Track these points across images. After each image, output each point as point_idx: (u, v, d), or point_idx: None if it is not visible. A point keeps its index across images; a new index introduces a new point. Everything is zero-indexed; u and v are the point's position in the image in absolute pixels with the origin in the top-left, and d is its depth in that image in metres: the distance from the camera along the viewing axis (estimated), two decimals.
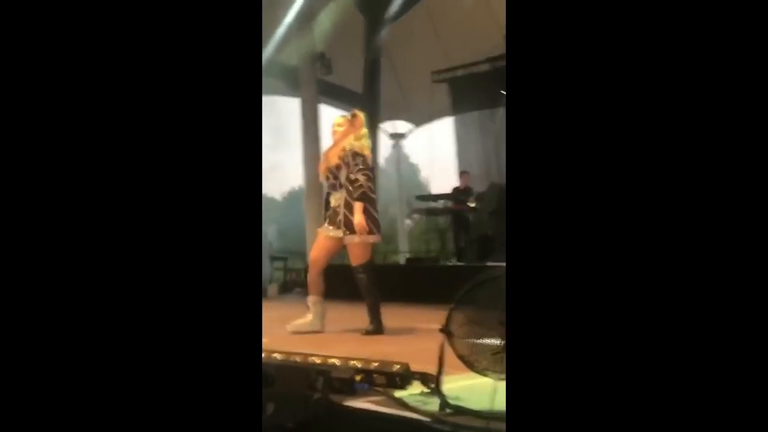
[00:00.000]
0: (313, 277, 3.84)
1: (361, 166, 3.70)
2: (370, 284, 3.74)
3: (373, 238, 3.75)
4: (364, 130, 3.87)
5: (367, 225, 3.67)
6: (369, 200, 3.71)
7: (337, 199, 3.75)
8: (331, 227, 3.77)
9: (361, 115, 3.88)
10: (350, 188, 3.68)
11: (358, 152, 3.74)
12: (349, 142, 3.77)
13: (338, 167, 3.74)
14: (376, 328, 3.71)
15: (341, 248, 3.82)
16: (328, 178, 3.81)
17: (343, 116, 3.95)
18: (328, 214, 3.80)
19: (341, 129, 3.85)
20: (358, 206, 3.65)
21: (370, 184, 3.72)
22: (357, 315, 3.94)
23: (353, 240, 3.70)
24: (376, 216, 3.79)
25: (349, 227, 3.67)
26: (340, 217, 3.70)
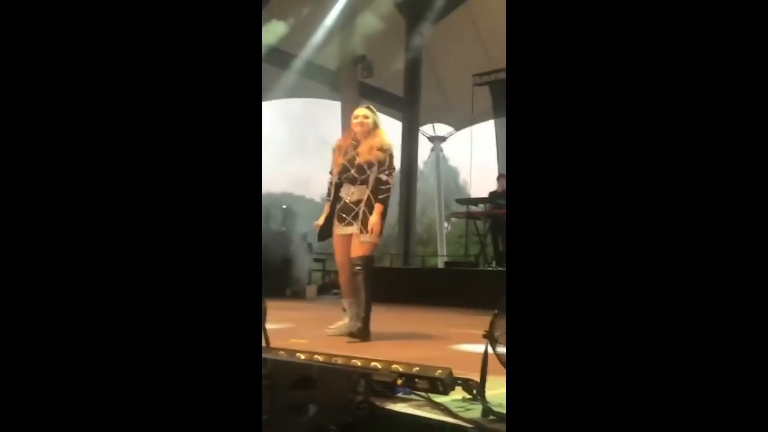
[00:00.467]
0: (344, 280, 3.76)
1: (390, 168, 3.62)
2: (367, 281, 3.58)
3: (378, 240, 3.62)
4: (382, 128, 3.75)
5: (381, 229, 3.60)
6: (386, 204, 3.63)
7: (352, 194, 3.61)
8: (342, 224, 3.64)
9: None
10: (379, 188, 3.57)
11: (391, 153, 3.66)
12: (383, 140, 3.65)
13: (370, 164, 3.60)
14: (363, 333, 3.55)
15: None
16: (346, 170, 3.63)
17: (368, 107, 3.77)
18: (340, 208, 3.66)
19: (368, 121, 3.67)
20: (378, 208, 3.56)
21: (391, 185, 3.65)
22: (396, 318, 3.92)
23: (360, 236, 3.58)
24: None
25: (365, 225, 3.56)
26: (358, 213, 3.58)
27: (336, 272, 8.98)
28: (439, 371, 1.92)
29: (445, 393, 1.90)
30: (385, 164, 3.58)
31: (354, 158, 3.61)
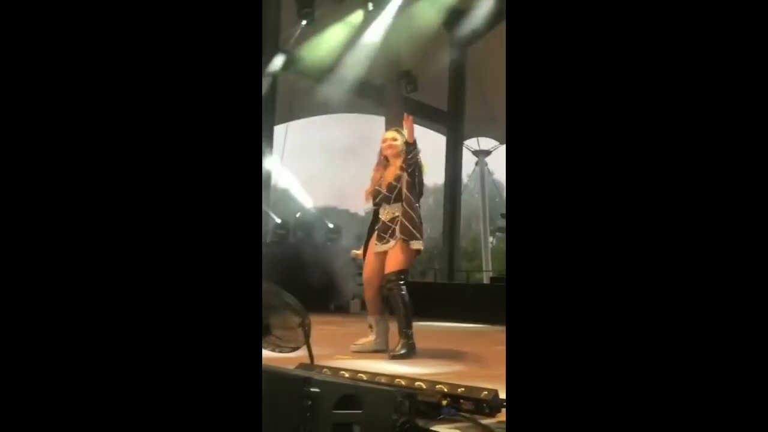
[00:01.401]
0: (370, 297, 3.74)
1: (415, 151, 3.60)
2: (403, 296, 3.54)
3: (415, 244, 3.60)
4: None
5: (408, 230, 3.59)
6: (408, 218, 3.62)
7: (388, 213, 3.65)
8: (381, 243, 3.67)
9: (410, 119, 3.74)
10: (407, 163, 3.58)
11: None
12: (402, 162, 3.67)
13: (398, 178, 3.64)
14: (407, 348, 3.48)
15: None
16: (379, 193, 3.69)
17: (396, 130, 3.82)
18: (378, 228, 3.70)
19: (397, 143, 3.73)
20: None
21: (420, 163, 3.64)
22: (439, 334, 3.88)
23: (391, 245, 3.60)
24: (420, 222, 3.66)
25: (404, 233, 3.58)
26: (395, 229, 3.60)
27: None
28: (485, 392, 1.89)
29: (491, 415, 1.87)
30: (407, 156, 3.57)
31: (388, 179, 3.68)
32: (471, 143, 10.20)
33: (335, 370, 2.16)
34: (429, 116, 10.32)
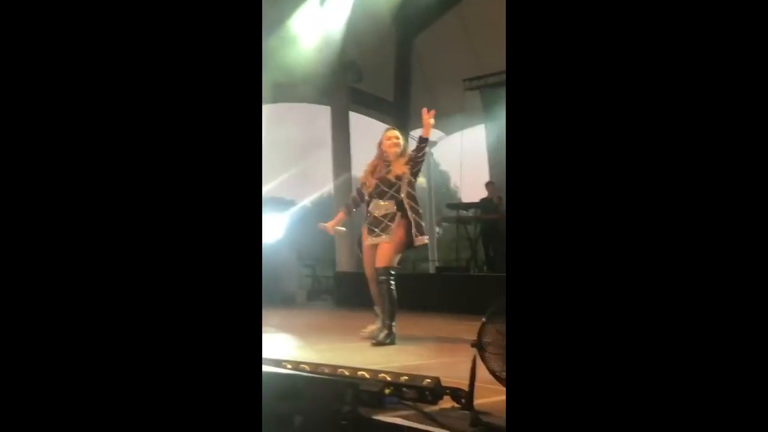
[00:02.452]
0: (373, 287, 3.90)
1: (424, 148, 3.86)
2: (389, 289, 3.75)
3: (422, 239, 3.83)
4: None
5: (404, 236, 3.79)
6: (417, 213, 3.86)
7: (381, 208, 3.82)
8: (371, 236, 3.85)
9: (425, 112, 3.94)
10: (414, 160, 3.83)
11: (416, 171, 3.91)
12: (408, 160, 3.89)
13: (399, 176, 3.82)
14: (388, 337, 3.70)
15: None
16: (378, 187, 3.85)
17: (394, 130, 4.08)
18: (369, 222, 3.87)
19: (399, 141, 3.94)
20: (402, 222, 3.79)
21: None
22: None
23: (384, 240, 3.78)
24: (422, 223, 3.89)
25: (389, 233, 3.78)
26: (387, 225, 3.79)
27: (327, 277, 8.93)
28: (427, 380, 1.90)
29: (434, 402, 1.88)
30: (411, 181, 3.84)
31: (386, 175, 3.84)
32: (416, 134, 10.20)
33: (276, 362, 2.13)
34: (374, 107, 10.30)
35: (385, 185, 3.83)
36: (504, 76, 9.11)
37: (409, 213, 3.79)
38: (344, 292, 7.74)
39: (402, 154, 3.90)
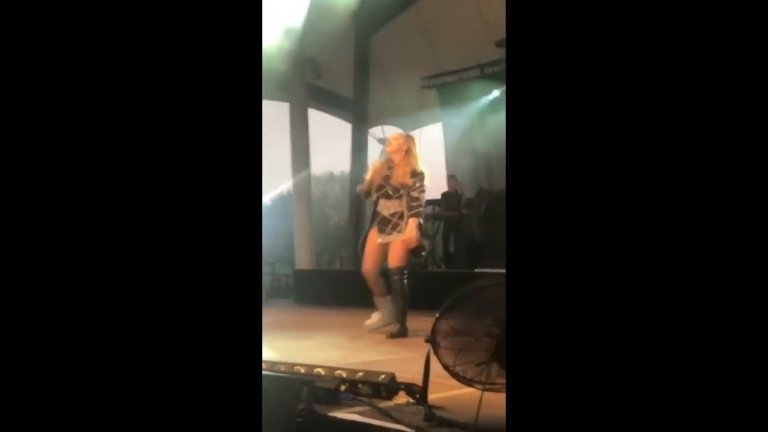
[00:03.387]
0: (373, 282, 4.11)
1: (421, 188, 4.03)
2: (403, 288, 3.97)
3: (420, 242, 4.06)
4: (417, 152, 4.16)
5: (417, 240, 4.00)
6: (421, 216, 4.07)
7: (389, 208, 4.03)
8: (382, 234, 4.04)
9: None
10: (411, 204, 3.99)
11: (422, 176, 4.06)
12: (414, 167, 4.06)
13: (403, 185, 4.01)
14: (401, 331, 3.94)
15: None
16: (382, 188, 4.06)
17: (400, 134, 4.32)
18: (378, 221, 4.07)
19: (398, 142, 4.10)
20: (413, 222, 3.96)
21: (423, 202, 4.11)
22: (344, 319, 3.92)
23: (397, 239, 3.97)
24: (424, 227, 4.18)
25: (401, 231, 3.98)
26: (397, 223, 4.00)
27: (286, 275, 8.85)
28: (383, 376, 1.92)
29: (389, 398, 1.91)
30: (415, 186, 4.00)
31: (389, 177, 4.05)
32: (375, 131, 10.23)
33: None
34: (333, 103, 10.28)
35: (390, 189, 4.04)
36: (461, 75, 9.21)
37: (396, 218, 3.99)
38: (303, 290, 7.72)
39: (405, 157, 4.05)
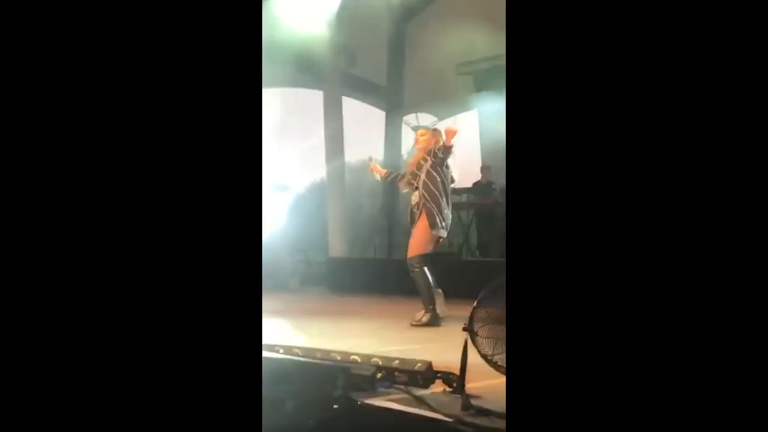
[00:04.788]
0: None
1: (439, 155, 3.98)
2: (424, 276, 3.94)
3: (436, 231, 3.98)
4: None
5: (429, 224, 3.95)
6: (435, 202, 3.98)
7: (413, 198, 4.07)
8: (412, 226, 4.07)
9: (450, 128, 4.08)
10: (422, 193, 3.99)
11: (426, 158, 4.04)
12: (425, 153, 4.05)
13: (419, 165, 4.03)
14: (431, 319, 3.87)
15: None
16: (410, 182, 4.10)
17: (426, 129, 4.28)
18: (411, 211, 4.10)
19: (423, 138, 4.11)
20: (424, 213, 3.98)
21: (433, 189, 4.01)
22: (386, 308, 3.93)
23: (414, 229, 4.01)
24: (438, 213, 3.99)
25: (416, 223, 4.01)
26: (414, 215, 4.03)
27: (320, 263, 8.89)
28: (419, 364, 1.91)
29: (425, 386, 1.90)
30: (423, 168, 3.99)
31: (414, 169, 4.08)
32: (410, 119, 10.19)
33: (269, 347, 2.14)
34: (368, 92, 10.26)
35: (413, 177, 4.06)
36: (496, 61, 9.10)
37: (426, 205, 3.96)
38: (337, 277, 7.74)
39: (427, 148, 4.04)
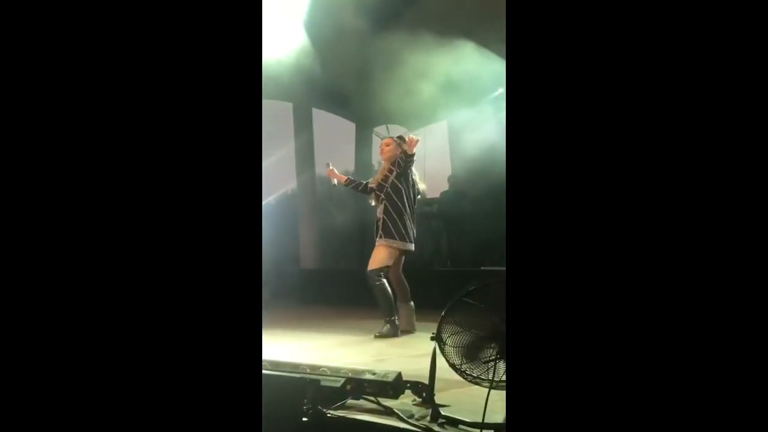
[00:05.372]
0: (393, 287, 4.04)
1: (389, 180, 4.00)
2: (384, 289, 3.93)
3: (396, 244, 3.97)
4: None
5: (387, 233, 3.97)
6: (398, 214, 3.99)
7: (378, 210, 4.06)
8: (376, 237, 4.05)
9: (412, 138, 4.06)
10: (386, 204, 4.00)
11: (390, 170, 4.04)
12: (390, 163, 4.05)
13: (386, 179, 4.02)
14: (389, 331, 3.89)
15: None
16: (378, 196, 4.07)
17: (391, 138, 4.21)
18: (377, 224, 4.08)
19: (388, 148, 4.10)
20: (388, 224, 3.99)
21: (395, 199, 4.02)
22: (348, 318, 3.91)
23: (377, 243, 3.99)
24: (402, 226, 3.99)
25: (384, 232, 4.00)
26: (377, 226, 4.03)
27: (291, 274, 8.78)
28: (389, 375, 1.91)
29: (395, 397, 1.90)
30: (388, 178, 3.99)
31: (380, 180, 4.08)
32: (380, 130, 10.20)
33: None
34: (337, 103, 10.26)
35: (378, 189, 4.06)
36: (466, 71, 9.15)
37: (385, 218, 3.96)
38: (308, 288, 7.71)
39: (391, 159, 4.05)
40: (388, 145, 4.14)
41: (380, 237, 3.99)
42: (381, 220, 4.00)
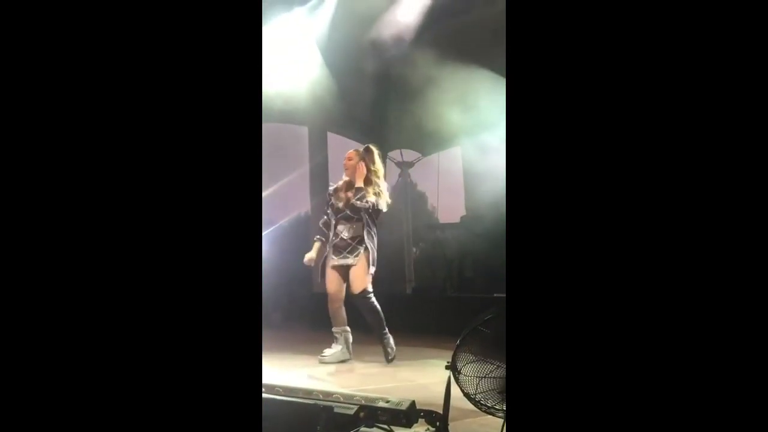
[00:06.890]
0: (335, 309, 3.93)
1: (365, 201, 3.83)
2: (374, 307, 3.83)
3: (372, 269, 3.87)
4: (377, 164, 3.95)
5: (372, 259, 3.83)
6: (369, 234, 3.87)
7: (349, 230, 3.84)
8: (338, 257, 3.85)
9: (373, 148, 3.96)
10: (368, 229, 3.83)
11: (360, 187, 3.86)
12: (375, 176, 3.89)
13: (363, 197, 3.82)
14: (388, 347, 3.81)
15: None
16: (341, 211, 3.87)
17: (355, 150, 4.07)
18: (336, 243, 3.86)
19: (351, 162, 3.93)
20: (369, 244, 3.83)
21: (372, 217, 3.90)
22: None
23: (355, 263, 3.82)
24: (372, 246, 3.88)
25: (356, 255, 3.81)
26: (354, 248, 3.82)
27: (303, 297, 8.77)
28: (402, 403, 1.89)
29: (408, 425, 1.87)
30: (362, 198, 3.81)
31: (349, 200, 3.84)
32: (394, 155, 10.27)
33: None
34: (352, 127, 10.32)
35: (351, 210, 3.86)
36: (480, 98, 9.20)
37: (368, 243, 3.82)
38: (321, 313, 7.68)
39: (356, 173, 3.87)
40: (350, 159, 3.97)
41: (356, 257, 3.82)
42: (359, 241, 3.83)
